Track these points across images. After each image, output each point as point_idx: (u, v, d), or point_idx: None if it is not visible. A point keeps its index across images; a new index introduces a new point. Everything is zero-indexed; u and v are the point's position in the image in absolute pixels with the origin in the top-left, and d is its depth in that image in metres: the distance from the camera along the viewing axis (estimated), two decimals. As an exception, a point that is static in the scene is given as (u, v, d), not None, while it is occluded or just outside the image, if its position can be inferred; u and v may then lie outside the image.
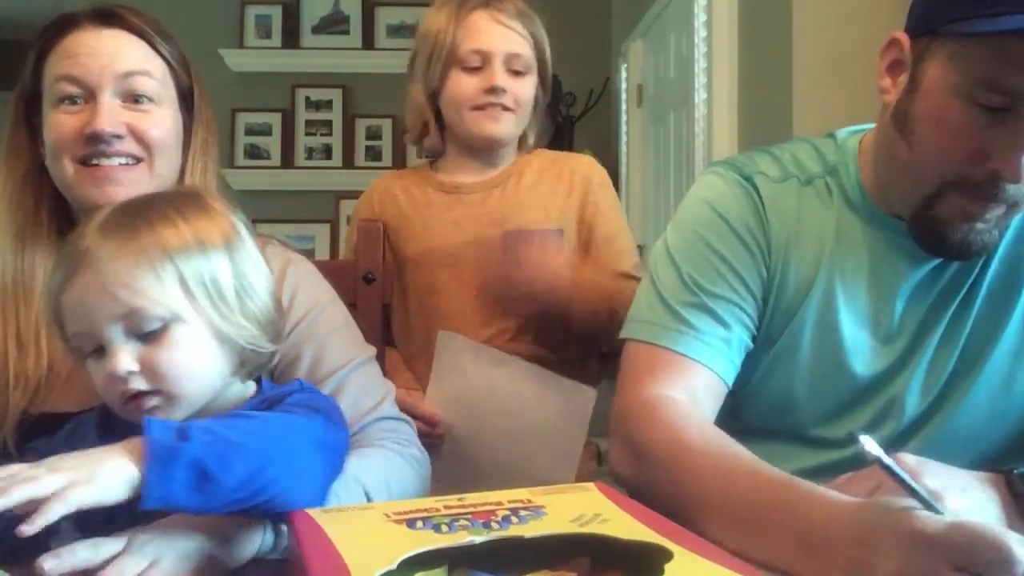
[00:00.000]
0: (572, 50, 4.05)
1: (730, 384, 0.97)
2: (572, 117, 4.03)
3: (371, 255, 1.38)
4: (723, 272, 0.97)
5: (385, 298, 1.41)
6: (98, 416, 0.88)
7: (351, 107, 4.24)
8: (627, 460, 0.91)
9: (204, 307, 0.81)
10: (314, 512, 0.68)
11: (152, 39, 1.02)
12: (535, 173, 1.45)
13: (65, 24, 1.00)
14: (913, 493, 0.64)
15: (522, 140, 1.48)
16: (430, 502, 0.69)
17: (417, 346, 1.43)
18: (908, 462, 0.75)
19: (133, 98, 1.00)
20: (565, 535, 0.62)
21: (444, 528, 0.62)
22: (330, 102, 4.25)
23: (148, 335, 0.79)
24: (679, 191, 3.04)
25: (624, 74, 3.82)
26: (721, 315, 0.96)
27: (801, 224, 0.98)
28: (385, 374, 1.13)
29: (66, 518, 0.67)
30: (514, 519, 0.64)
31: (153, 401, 0.80)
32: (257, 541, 0.77)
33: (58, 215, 1.03)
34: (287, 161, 4.22)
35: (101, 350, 0.80)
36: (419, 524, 0.63)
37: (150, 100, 1.00)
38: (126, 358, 0.78)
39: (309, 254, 1.36)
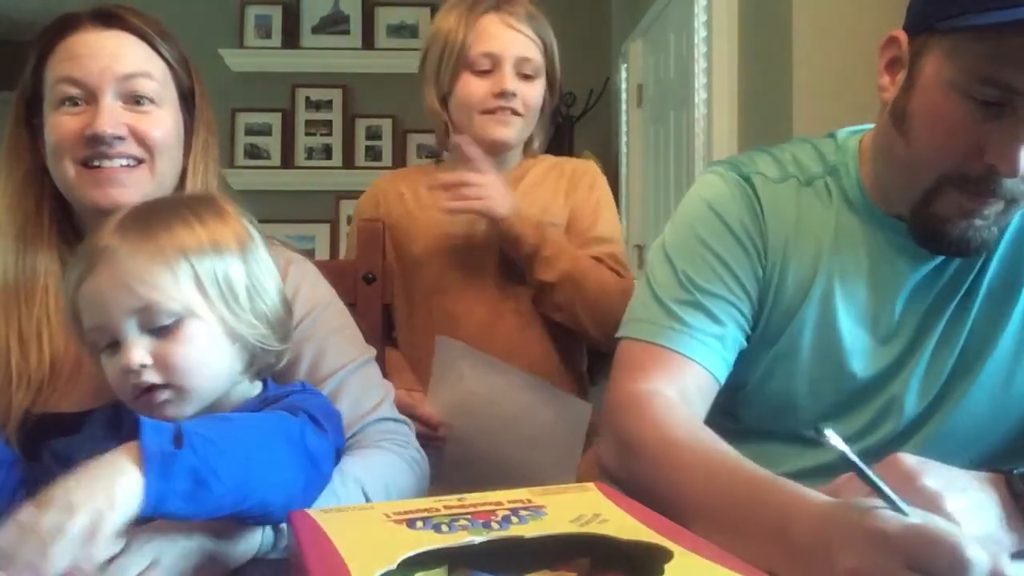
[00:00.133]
0: (572, 50, 4.03)
1: (722, 381, 0.97)
2: (572, 117, 4.04)
3: (371, 255, 1.39)
4: (718, 270, 0.98)
5: (385, 298, 1.41)
6: (108, 414, 0.89)
7: (351, 107, 4.24)
8: (614, 454, 0.92)
9: (217, 305, 0.83)
10: (314, 512, 0.68)
11: (153, 40, 1.02)
12: (538, 175, 1.46)
13: (66, 25, 1.00)
14: (878, 491, 0.64)
15: (527, 143, 1.49)
16: (430, 502, 0.69)
17: (422, 347, 1.44)
18: (908, 462, 0.75)
19: (134, 99, 1.00)
20: (565, 535, 0.62)
21: (444, 528, 0.62)
22: (330, 102, 4.25)
23: (161, 330, 0.81)
24: (679, 191, 3.04)
25: (624, 74, 3.81)
26: (715, 312, 0.96)
27: (800, 224, 0.98)
28: (386, 375, 1.13)
29: None
30: (514, 519, 0.64)
31: (164, 395, 0.82)
32: (257, 540, 0.77)
33: (59, 216, 1.04)
34: (287, 161, 4.22)
35: (115, 345, 0.82)
36: (419, 524, 0.63)
37: (151, 101, 1.01)
38: (140, 351, 0.80)
39: (309, 254, 1.37)
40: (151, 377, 0.81)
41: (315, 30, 4.24)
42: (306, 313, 1.00)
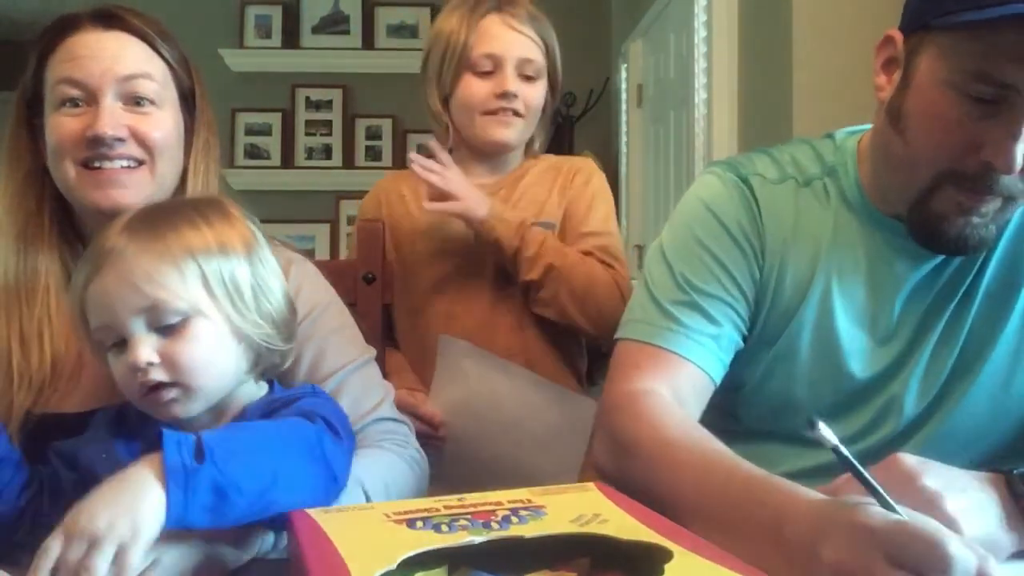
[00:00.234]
0: (572, 50, 4.02)
1: (717, 381, 0.97)
2: (572, 117, 4.04)
3: (371, 255, 1.39)
4: (715, 271, 0.98)
5: (385, 298, 1.41)
6: (112, 414, 0.89)
7: (351, 107, 4.24)
8: (609, 453, 0.92)
9: (223, 304, 0.84)
10: (314, 512, 0.68)
11: (153, 40, 1.02)
12: (536, 175, 1.47)
13: (66, 26, 1.00)
14: (868, 487, 0.64)
15: (529, 144, 1.50)
16: (430, 502, 0.69)
17: (422, 348, 1.44)
18: (908, 462, 0.75)
19: (134, 100, 1.00)
20: (565, 535, 0.63)
21: (444, 528, 0.62)
22: (330, 102, 4.25)
23: (168, 328, 0.82)
24: (679, 191, 3.04)
25: (624, 74, 3.81)
26: (711, 313, 0.96)
27: (798, 226, 0.98)
28: (387, 376, 1.13)
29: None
30: (514, 519, 0.64)
31: (171, 393, 0.82)
32: (258, 541, 0.77)
33: (60, 216, 1.04)
34: (287, 161, 4.22)
35: (122, 344, 0.83)
36: (419, 524, 0.64)
37: (151, 102, 1.00)
38: (146, 349, 0.81)
39: (309, 254, 1.37)
40: (158, 375, 0.81)
41: (315, 30, 4.24)
42: (306, 313, 1.00)
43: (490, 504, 0.67)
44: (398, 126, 4.19)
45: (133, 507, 0.68)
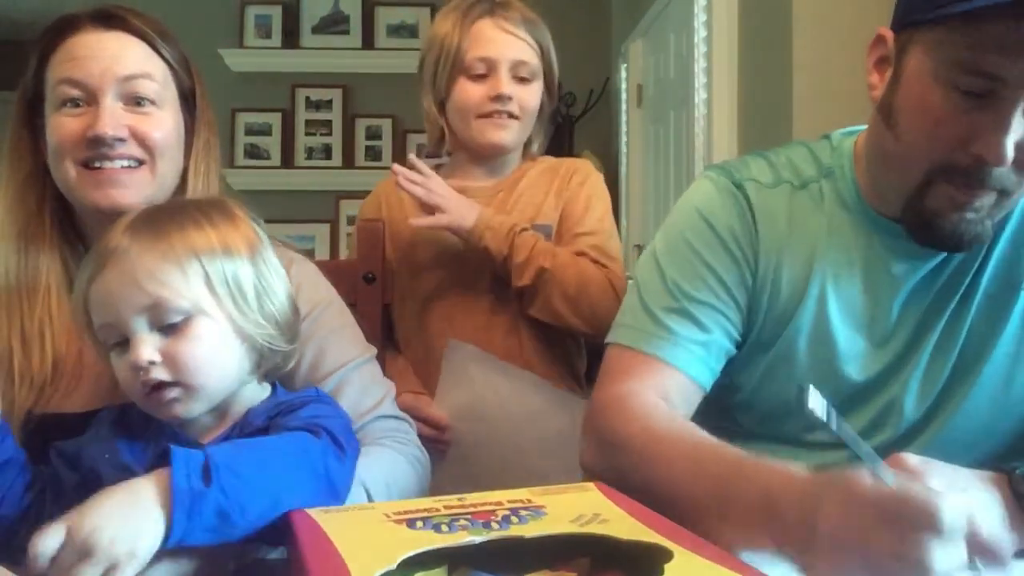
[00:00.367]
0: (572, 50, 4.05)
1: (707, 388, 0.98)
2: (572, 117, 4.04)
3: (371, 255, 1.39)
4: (706, 278, 0.98)
5: (385, 298, 1.41)
6: (114, 414, 0.89)
7: (351, 107, 4.24)
8: (598, 452, 0.93)
9: (226, 304, 0.84)
10: (314, 512, 0.68)
11: (153, 41, 1.02)
12: (533, 177, 1.46)
13: (66, 26, 1.00)
14: (860, 456, 0.65)
15: (527, 146, 1.50)
16: (430, 502, 0.69)
17: (423, 351, 1.44)
18: (911, 461, 0.75)
19: (135, 101, 1.00)
20: (565, 535, 0.63)
21: (444, 528, 0.63)
22: (330, 102, 4.25)
23: (170, 327, 0.82)
24: (679, 191, 3.04)
25: (624, 74, 3.82)
26: (700, 319, 0.97)
27: (793, 229, 0.98)
28: (389, 379, 1.13)
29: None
30: (514, 519, 0.64)
31: (173, 393, 0.82)
32: (256, 547, 0.77)
33: (61, 216, 1.04)
34: (287, 161, 4.23)
35: (125, 343, 0.82)
36: (419, 524, 0.64)
37: (151, 102, 1.01)
38: (148, 348, 0.81)
39: (309, 254, 1.37)
40: (160, 374, 0.81)
41: (315, 30, 4.24)
42: (307, 312, 1.00)
43: (490, 504, 0.67)
44: (398, 126, 4.19)
45: (137, 528, 0.68)
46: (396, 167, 1.38)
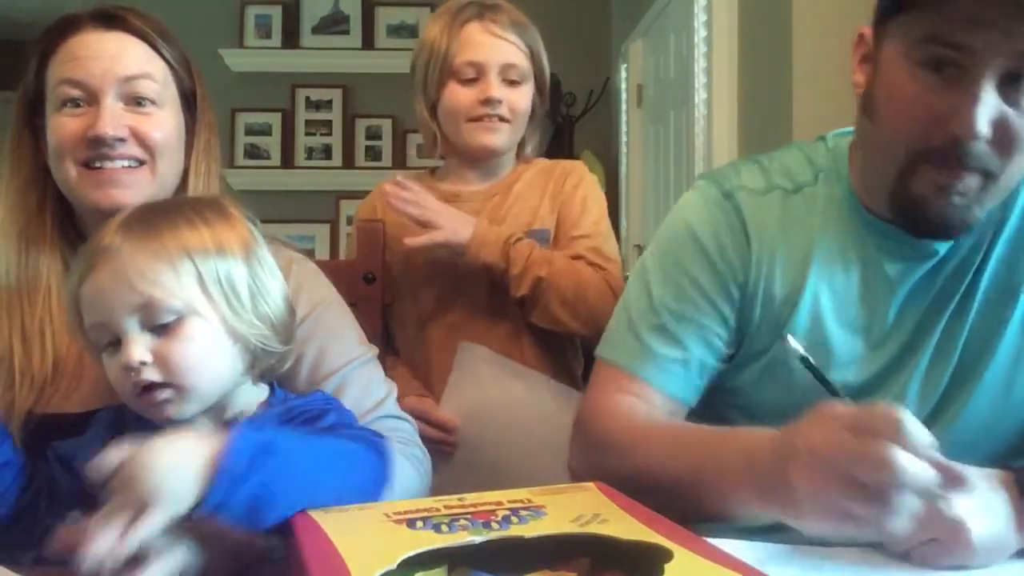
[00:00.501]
0: (572, 50, 4.05)
1: (691, 403, 0.99)
2: (572, 117, 4.04)
3: (371, 255, 1.39)
4: (691, 293, 0.99)
5: (385, 298, 1.41)
6: (111, 415, 0.88)
7: (351, 107, 4.24)
8: (584, 455, 0.97)
9: (219, 304, 0.83)
10: (314, 512, 0.68)
11: (154, 41, 1.02)
12: (527, 180, 1.47)
13: (67, 26, 1.00)
14: (831, 393, 0.72)
15: (520, 148, 1.50)
16: (430, 502, 0.69)
17: (427, 358, 1.44)
18: None
19: (135, 101, 1.00)
20: (565, 535, 0.63)
21: (444, 528, 0.63)
22: (330, 102, 4.25)
23: (162, 328, 0.81)
24: (679, 191, 3.04)
25: (624, 74, 3.82)
26: (681, 338, 0.98)
27: (786, 235, 0.98)
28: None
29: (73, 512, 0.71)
30: (514, 519, 0.64)
31: (165, 394, 0.81)
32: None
33: (61, 216, 1.04)
34: (287, 161, 4.23)
35: (116, 343, 0.81)
36: (419, 524, 0.64)
37: (152, 103, 1.01)
38: (140, 348, 0.80)
39: (309, 254, 1.37)
40: (151, 375, 0.80)
41: (315, 30, 4.24)
42: (308, 312, 1.00)
43: (490, 504, 0.67)
44: (398, 126, 4.19)
45: (181, 486, 0.66)
46: (387, 189, 1.38)
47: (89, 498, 0.83)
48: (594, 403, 1.00)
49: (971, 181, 0.86)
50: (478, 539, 0.61)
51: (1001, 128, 0.83)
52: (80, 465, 0.83)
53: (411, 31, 4.21)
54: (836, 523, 0.69)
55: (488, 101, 1.38)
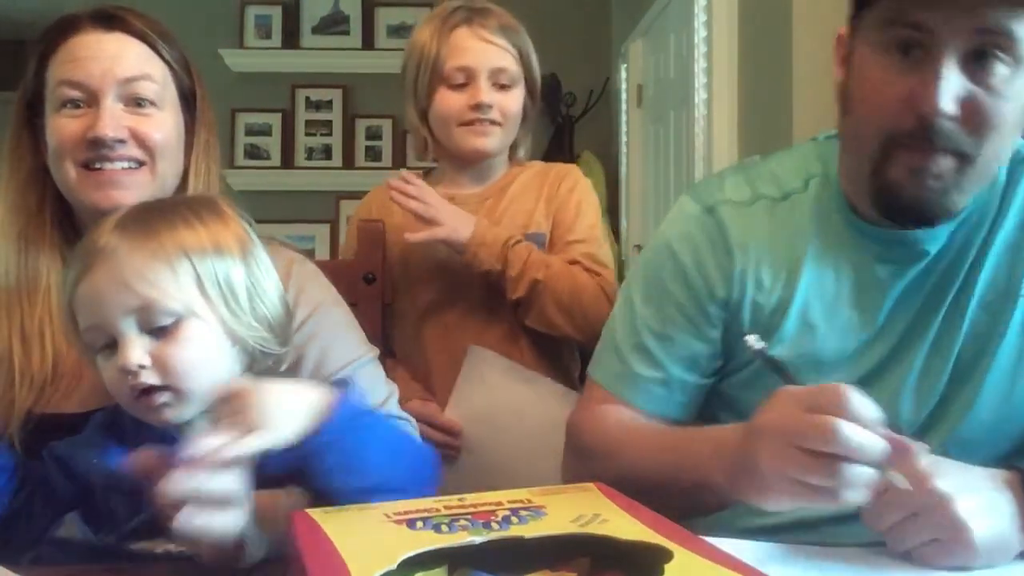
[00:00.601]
0: (572, 50, 4.05)
1: (676, 418, 1.01)
2: (572, 117, 4.04)
3: (371, 255, 1.39)
4: (671, 313, 1.00)
5: (385, 298, 1.41)
6: (108, 417, 0.88)
7: (351, 107, 4.24)
8: (573, 463, 1.02)
9: (217, 305, 0.82)
10: (314, 512, 0.68)
11: (153, 41, 1.02)
12: (521, 184, 1.47)
13: (67, 27, 1.00)
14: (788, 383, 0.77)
15: (513, 151, 1.50)
16: (430, 502, 0.69)
17: (421, 363, 1.44)
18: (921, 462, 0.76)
19: (135, 102, 1.00)
20: (565, 535, 0.63)
21: (444, 528, 0.63)
22: (330, 102, 4.24)
23: (160, 330, 0.80)
24: (679, 191, 3.03)
25: (624, 74, 3.81)
26: (660, 358, 1.00)
27: (774, 244, 0.98)
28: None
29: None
30: (514, 519, 0.64)
31: (163, 397, 0.80)
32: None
33: (61, 216, 1.04)
34: (287, 161, 4.22)
35: (113, 345, 0.80)
36: (419, 524, 0.64)
37: (152, 104, 1.01)
38: (138, 351, 0.79)
39: (309, 254, 1.37)
40: (149, 378, 0.79)
41: (315, 30, 4.23)
42: (310, 313, 1.00)
43: (490, 504, 0.67)
44: (398, 126, 4.18)
45: (287, 422, 0.73)
46: (390, 181, 1.38)
47: (87, 499, 0.83)
48: (581, 415, 1.04)
49: (945, 163, 0.85)
50: (478, 539, 0.61)
51: (969, 107, 0.83)
52: (75, 468, 0.83)
53: (411, 31, 4.19)
54: (797, 497, 0.73)
55: (479, 106, 1.39)
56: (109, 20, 1.01)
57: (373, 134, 4.24)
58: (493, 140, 1.42)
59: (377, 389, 1.02)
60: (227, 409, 0.73)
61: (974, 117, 0.83)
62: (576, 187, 1.46)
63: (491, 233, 1.36)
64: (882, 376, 0.95)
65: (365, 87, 4.18)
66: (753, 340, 0.82)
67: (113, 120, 0.97)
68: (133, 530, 0.82)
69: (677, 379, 1.00)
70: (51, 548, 0.84)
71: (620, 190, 3.87)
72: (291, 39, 4.21)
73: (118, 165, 0.98)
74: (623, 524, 0.64)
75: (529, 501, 0.68)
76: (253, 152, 4.21)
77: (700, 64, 2.76)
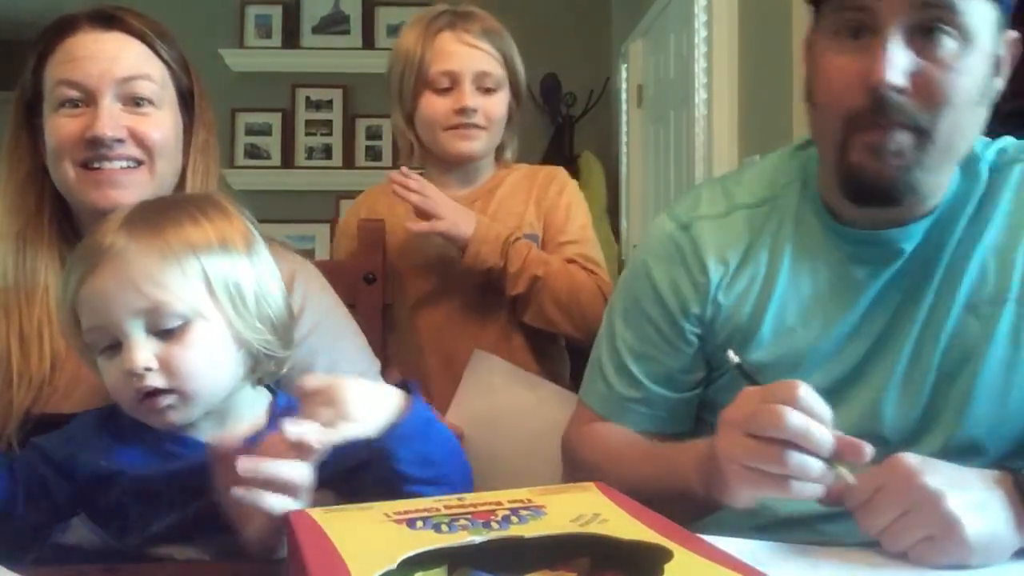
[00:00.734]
0: (572, 50, 4.05)
1: (663, 432, 1.03)
2: (572, 117, 4.03)
3: (371, 255, 1.39)
4: (648, 332, 1.03)
5: (386, 298, 1.41)
6: (98, 417, 0.87)
7: (351, 107, 4.24)
8: (569, 478, 1.06)
9: (224, 307, 0.82)
10: (314, 512, 0.68)
11: (152, 41, 1.02)
12: (510, 185, 1.48)
13: (65, 26, 1.00)
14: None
15: (499, 153, 1.51)
16: (430, 502, 0.69)
17: (412, 359, 1.45)
18: (909, 460, 0.76)
19: (133, 101, 1.00)
20: (565, 535, 0.63)
21: (444, 528, 0.63)
22: (330, 102, 4.24)
23: (167, 332, 0.80)
24: (679, 191, 3.04)
25: (624, 74, 3.81)
26: (639, 377, 1.03)
27: (752, 253, 0.99)
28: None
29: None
30: (514, 519, 0.64)
31: (167, 400, 0.80)
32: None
33: (59, 216, 1.04)
34: (287, 161, 4.22)
35: (116, 346, 0.80)
36: (419, 524, 0.64)
37: (150, 103, 1.01)
38: (145, 354, 0.78)
39: (309, 254, 1.37)
40: (155, 381, 0.78)
41: (315, 30, 4.23)
42: (317, 323, 1.01)
43: (490, 504, 0.67)
44: (398, 126, 4.18)
45: (371, 415, 0.78)
46: (392, 175, 1.39)
47: (88, 501, 0.83)
48: (575, 433, 1.09)
49: (902, 138, 0.86)
50: (478, 539, 0.61)
51: (919, 80, 0.84)
52: (80, 471, 0.82)
53: (409, 32, 4.21)
54: (752, 486, 0.76)
55: (463, 110, 1.40)
56: (107, 20, 1.01)
57: (373, 134, 4.24)
58: (478, 144, 1.43)
59: None
60: (316, 400, 0.76)
61: (924, 89, 0.84)
62: (565, 189, 1.48)
63: (492, 230, 1.37)
64: (863, 377, 0.95)
65: (365, 87, 4.18)
66: (731, 355, 0.85)
67: (112, 120, 0.97)
68: (156, 534, 0.82)
69: (657, 396, 1.03)
70: (59, 552, 0.84)
71: (620, 190, 3.87)
72: (291, 39, 4.21)
73: (117, 164, 0.98)
74: (623, 524, 0.64)
75: (529, 501, 0.68)
76: (253, 152, 4.21)
77: (700, 64, 2.76)
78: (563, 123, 4.00)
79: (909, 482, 0.75)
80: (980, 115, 0.90)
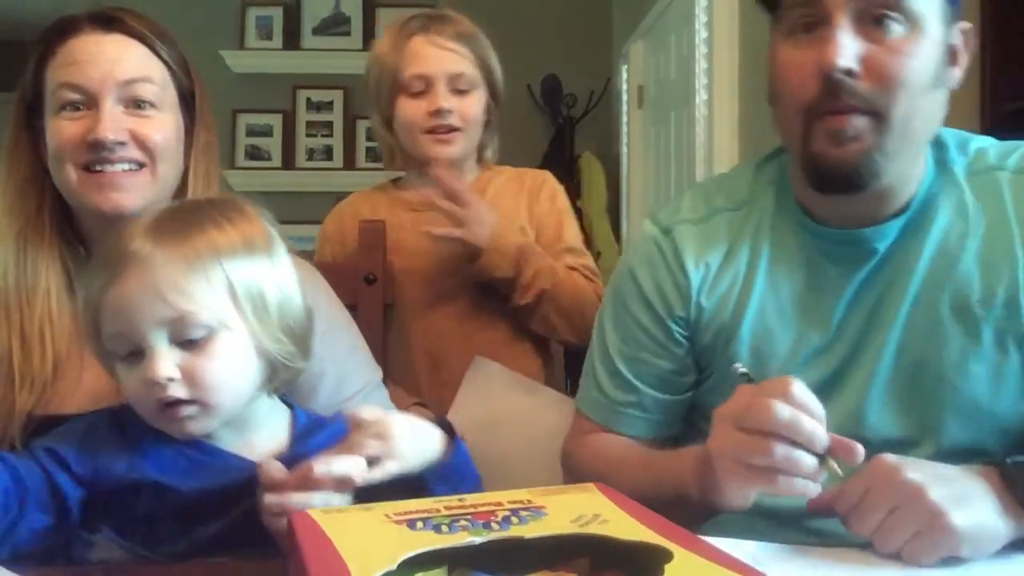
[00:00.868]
0: (573, 51, 4.05)
1: (659, 435, 1.05)
2: (573, 118, 4.04)
3: (371, 255, 1.39)
4: (637, 336, 1.04)
5: (386, 298, 1.41)
6: (109, 418, 0.86)
7: (352, 108, 4.24)
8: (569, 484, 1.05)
9: (248, 316, 0.82)
10: (314, 512, 0.68)
11: (152, 43, 1.02)
12: (497, 189, 1.49)
13: (65, 28, 1.00)
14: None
15: (481, 153, 1.52)
16: (430, 502, 0.69)
17: (403, 363, 1.45)
18: (889, 459, 0.78)
19: (135, 104, 1.00)
20: (565, 535, 0.63)
21: (444, 528, 0.63)
22: (331, 103, 4.25)
23: (191, 343, 0.79)
24: (679, 191, 3.04)
25: (625, 75, 3.82)
26: (631, 381, 1.04)
27: (731, 255, 1.00)
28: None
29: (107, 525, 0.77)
30: (514, 519, 0.64)
31: (189, 410, 0.80)
32: None
33: (60, 218, 1.04)
34: (288, 162, 4.23)
35: (137, 354, 0.79)
36: (419, 524, 0.64)
37: (151, 105, 1.01)
38: (168, 364, 0.78)
39: (309, 255, 1.37)
40: (177, 391, 0.78)
41: (316, 31, 4.24)
42: (323, 332, 1.01)
43: (490, 504, 0.67)
44: (399, 127, 4.18)
45: (417, 453, 0.81)
46: (438, 171, 1.40)
47: (108, 509, 0.81)
48: (573, 443, 1.10)
49: (859, 122, 0.87)
50: (478, 540, 0.61)
51: (870, 62, 0.86)
52: (105, 476, 0.81)
53: (411, 32, 4.21)
54: (745, 481, 0.77)
55: (438, 112, 1.40)
56: (108, 22, 1.01)
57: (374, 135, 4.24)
58: (455, 147, 1.44)
59: (391, 409, 1.04)
60: (363, 434, 0.78)
61: (875, 71, 0.86)
62: (557, 196, 1.50)
63: (503, 241, 1.38)
64: (845, 378, 0.95)
65: (366, 88, 4.18)
66: (738, 367, 0.86)
67: (113, 122, 0.97)
68: (193, 545, 0.81)
69: (651, 399, 1.03)
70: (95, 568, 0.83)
71: (621, 191, 3.87)
72: (292, 40, 4.21)
73: (118, 167, 0.98)
74: (623, 524, 0.64)
75: (529, 501, 0.68)
76: (254, 153, 4.21)
77: (701, 65, 2.76)
78: (564, 124, 4.01)
79: (892, 480, 0.75)
80: (937, 100, 0.91)
